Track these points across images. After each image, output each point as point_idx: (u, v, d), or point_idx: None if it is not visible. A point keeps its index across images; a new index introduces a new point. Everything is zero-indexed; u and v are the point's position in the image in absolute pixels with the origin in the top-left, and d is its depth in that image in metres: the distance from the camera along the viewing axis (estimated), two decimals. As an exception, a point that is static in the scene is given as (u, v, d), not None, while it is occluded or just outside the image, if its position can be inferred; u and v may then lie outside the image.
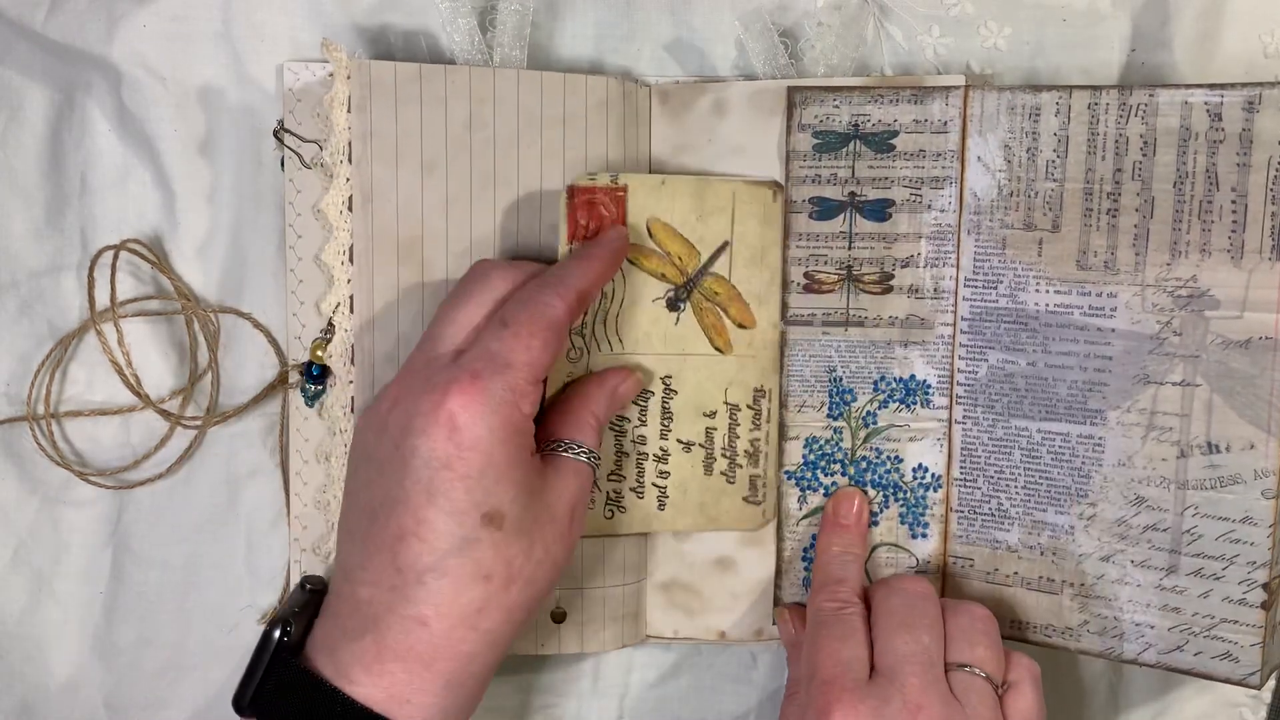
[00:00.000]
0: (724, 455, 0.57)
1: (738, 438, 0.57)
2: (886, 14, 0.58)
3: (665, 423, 0.56)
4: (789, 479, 0.57)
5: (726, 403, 0.57)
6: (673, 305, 0.56)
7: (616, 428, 0.56)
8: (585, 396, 0.53)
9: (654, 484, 0.57)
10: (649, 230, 0.55)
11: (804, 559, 0.58)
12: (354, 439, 0.50)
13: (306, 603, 0.48)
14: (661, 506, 0.57)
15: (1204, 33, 0.57)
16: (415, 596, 0.45)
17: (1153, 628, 0.53)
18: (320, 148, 0.54)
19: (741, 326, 0.56)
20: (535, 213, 0.55)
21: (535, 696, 0.60)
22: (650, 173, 0.57)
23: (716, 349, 0.56)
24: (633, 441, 0.56)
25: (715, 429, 0.57)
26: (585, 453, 0.51)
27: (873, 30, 0.58)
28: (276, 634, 0.47)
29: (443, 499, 0.45)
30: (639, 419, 0.56)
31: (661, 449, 0.57)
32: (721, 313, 0.56)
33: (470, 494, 0.45)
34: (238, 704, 0.46)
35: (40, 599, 0.57)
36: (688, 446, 0.57)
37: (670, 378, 0.56)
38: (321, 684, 0.45)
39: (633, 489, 0.57)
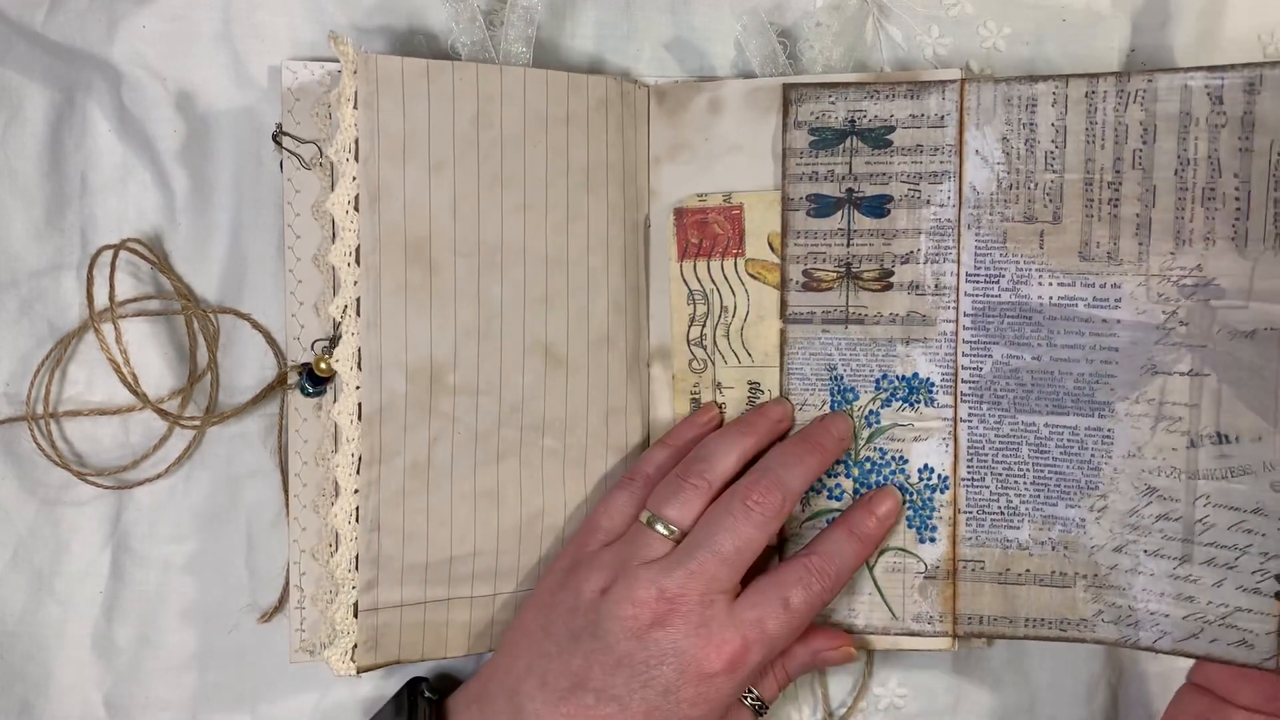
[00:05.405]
0: None
1: None
2: (886, 14, 0.58)
3: None
4: (791, 478, 0.57)
5: None
6: None
7: None
8: (783, 653, 0.54)
9: None
10: (770, 245, 0.55)
11: (807, 560, 0.57)
12: (564, 581, 0.52)
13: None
14: None
15: (1203, 33, 0.57)
16: None
17: (1167, 616, 0.52)
18: (319, 148, 0.54)
19: None
20: (541, 215, 0.54)
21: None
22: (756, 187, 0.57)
23: None
24: None
25: None
26: (756, 702, 0.54)
27: (872, 30, 0.58)
28: None
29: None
30: None
31: None
32: None
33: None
34: None
35: (40, 598, 0.57)
36: None
37: None
38: None
39: None
